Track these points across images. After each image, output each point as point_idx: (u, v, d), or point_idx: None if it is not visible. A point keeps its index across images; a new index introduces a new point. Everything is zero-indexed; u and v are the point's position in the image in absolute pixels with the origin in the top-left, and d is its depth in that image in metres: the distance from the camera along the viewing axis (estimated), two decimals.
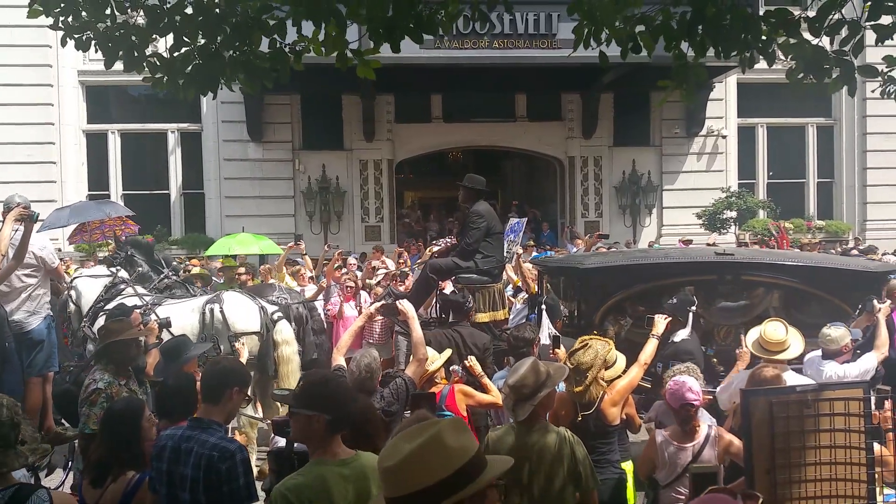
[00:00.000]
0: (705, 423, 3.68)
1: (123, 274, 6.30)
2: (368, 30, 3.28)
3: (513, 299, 7.61)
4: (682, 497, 3.47)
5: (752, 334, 4.28)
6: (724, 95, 15.19)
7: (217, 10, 3.35)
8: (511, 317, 7.23)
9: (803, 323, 5.18)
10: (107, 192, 14.41)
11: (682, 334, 4.81)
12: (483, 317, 5.68)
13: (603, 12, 3.31)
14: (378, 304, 4.43)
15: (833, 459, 3.04)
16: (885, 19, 3.35)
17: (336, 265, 8.71)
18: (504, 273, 6.65)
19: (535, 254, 11.86)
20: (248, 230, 14.01)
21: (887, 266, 6.27)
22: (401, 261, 10.21)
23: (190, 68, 3.41)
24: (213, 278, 9.57)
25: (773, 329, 4.18)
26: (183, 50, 3.45)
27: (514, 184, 20.09)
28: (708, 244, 11.85)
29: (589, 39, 3.48)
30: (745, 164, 15.78)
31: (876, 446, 3.12)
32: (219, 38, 3.34)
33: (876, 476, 3.15)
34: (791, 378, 3.93)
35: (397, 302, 4.35)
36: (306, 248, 13.69)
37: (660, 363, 4.57)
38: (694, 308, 4.89)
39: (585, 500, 3.03)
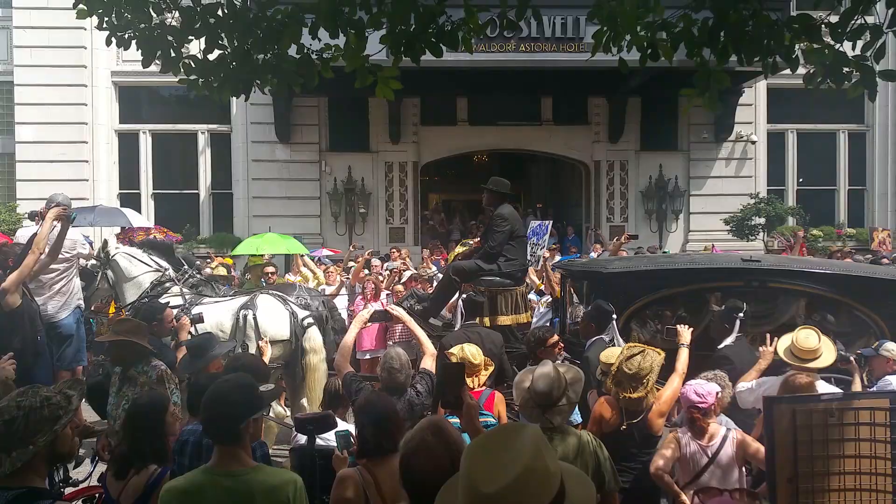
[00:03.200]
0: (722, 425, 3.67)
1: (171, 273, 6.31)
2: (389, 44, 3.31)
3: (535, 302, 7.62)
4: (699, 499, 3.45)
5: (784, 341, 4.23)
6: (754, 101, 14.99)
7: (249, 14, 3.42)
8: (534, 320, 7.24)
9: (830, 331, 5.13)
10: (137, 192, 14.74)
11: (727, 341, 4.77)
12: (505, 320, 5.69)
13: (624, 18, 3.31)
14: (370, 311, 4.49)
15: (858, 470, 3.00)
16: None
17: (361, 266, 8.79)
18: (527, 276, 6.66)
19: (558, 257, 11.85)
20: (274, 230, 14.21)
21: None
22: (422, 265, 10.22)
23: (224, 70, 3.48)
24: (235, 274, 9.72)
25: (806, 336, 4.13)
26: (216, 53, 3.54)
27: (539, 187, 20.03)
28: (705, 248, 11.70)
29: (609, 45, 3.49)
30: (775, 170, 15.53)
31: None
32: (250, 41, 3.41)
33: None
34: (822, 387, 3.88)
35: (388, 308, 4.44)
36: (331, 247, 13.96)
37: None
38: (741, 315, 4.80)
39: (607, 503, 3.03)
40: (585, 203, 15.93)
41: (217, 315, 5.98)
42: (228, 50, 3.51)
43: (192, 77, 3.61)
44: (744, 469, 3.54)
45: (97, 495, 3.92)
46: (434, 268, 9.24)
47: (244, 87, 3.55)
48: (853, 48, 3.33)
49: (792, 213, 14.46)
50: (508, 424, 1.68)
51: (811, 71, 3.43)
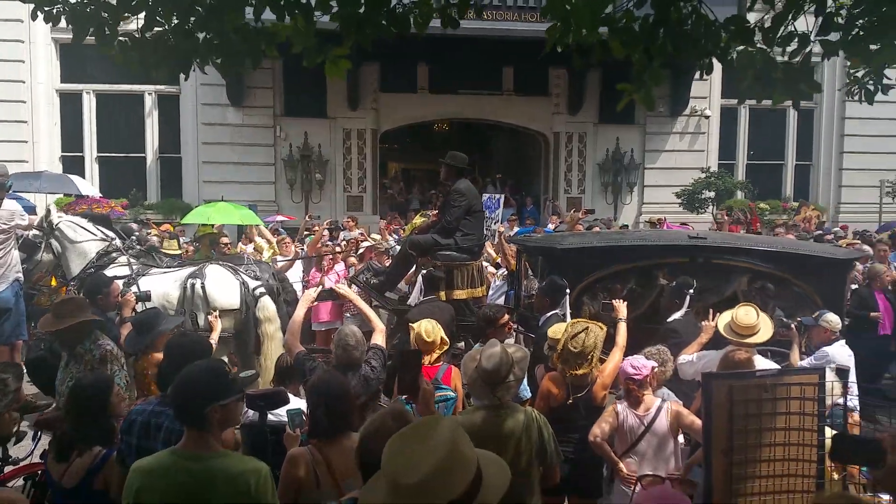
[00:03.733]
0: (659, 397, 3.83)
1: (118, 242, 6.15)
2: (339, 25, 3.24)
3: (492, 275, 7.69)
4: (635, 465, 3.61)
5: (725, 317, 4.40)
6: (709, 76, 15.20)
7: None
8: (490, 293, 7.33)
9: (770, 304, 5.36)
10: (80, 154, 14.17)
11: (676, 315, 4.96)
12: (461, 294, 5.76)
13: (577, 17, 3.32)
14: (317, 290, 4.51)
15: (787, 441, 3.17)
16: (834, 36, 3.47)
17: (310, 237, 8.69)
18: (483, 250, 6.71)
19: (517, 228, 11.96)
20: (226, 197, 13.85)
21: (853, 253, 6.43)
22: (377, 236, 10.13)
23: (162, 49, 3.34)
24: (185, 242, 9.48)
25: (745, 313, 4.30)
26: (156, 30, 3.39)
27: (499, 158, 20.07)
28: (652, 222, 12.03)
29: (563, 41, 3.50)
30: (727, 144, 15.90)
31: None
32: (192, 18, 3.28)
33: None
34: (759, 362, 4.06)
35: (334, 286, 4.55)
36: (284, 215, 13.76)
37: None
38: (691, 291, 4.99)
39: (549, 475, 3.17)
40: (544, 174, 16.04)
41: (164, 285, 5.87)
42: (167, 27, 3.36)
43: (129, 55, 3.45)
44: (679, 439, 3.70)
45: (39, 472, 3.85)
46: (391, 240, 9.19)
47: (184, 66, 3.43)
48: (783, 54, 3.44)
49: (740, 187, 14.88)
50: (426, 417, 1.74)
51: (744, 74, 3.56)
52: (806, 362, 4.74)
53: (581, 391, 3.71)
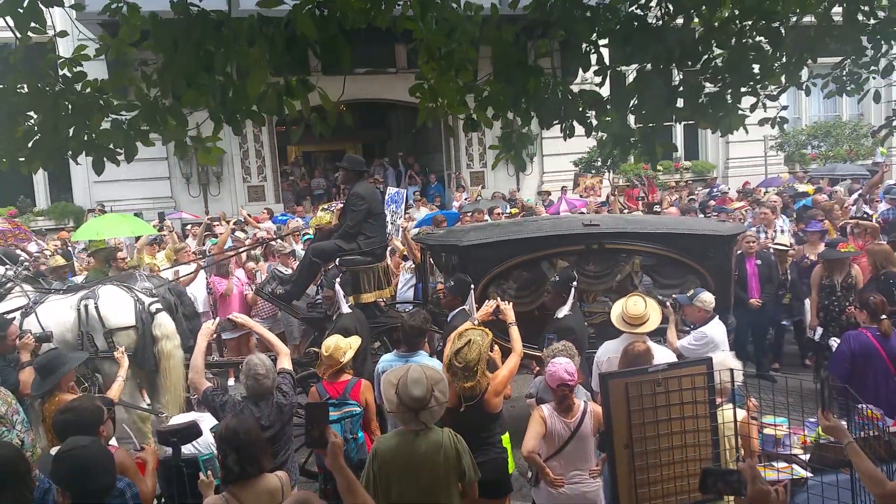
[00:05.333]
0: (581, 398, 3.95)
1: (10, 273, 5.83)
2: (209, 115, 3.14)
3: (401, 266, 7.71)
4: (560, 468, 3.79)
5: (616, 308, 4.62)
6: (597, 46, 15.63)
7: (56, 88, 3.11)
8: (400, 286, 7.38)
9: (662, 284, 5.70)
10: None
11: (564, 310, 5.01)
12: (369, 297, 5.77)
13: (442, 93, 3.39)
14: (216, 322, 4.44)
15: (683, 429, 3.41)
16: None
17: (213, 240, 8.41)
18: (389, 247, 6.74)
19: (423, 210, 12.02)
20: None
21: (737, 228, 6.82)
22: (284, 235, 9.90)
23: (31, 141, 3.13)
24: (80, 256, 8.99)
25: (634, 303, 4.52)
26: (25, 124, 3.17)
27: (400, 136, 19.91)
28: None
29: (433, 116, 3.57)
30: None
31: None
32: (63, 114, 3.09)
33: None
34: (655, 349, 4.29)
35: (231, 316, 4.61)
36: (185, 211, 13.18)
37: (548, 336, 4.81)
38: (575, 283, 5.09)
39: (467, 491, 3.27)
40: (446, 150, 16.09)
41: (60, 312, 5.62)
42: (34, 123, 3.16)
43: None
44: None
45: None
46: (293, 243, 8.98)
47: (55, 161, 3.24)
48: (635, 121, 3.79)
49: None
50: None
51: (602, 139, 3.87)
52: (686, 341, 4.96)
53: (473, 400, 3.77)
